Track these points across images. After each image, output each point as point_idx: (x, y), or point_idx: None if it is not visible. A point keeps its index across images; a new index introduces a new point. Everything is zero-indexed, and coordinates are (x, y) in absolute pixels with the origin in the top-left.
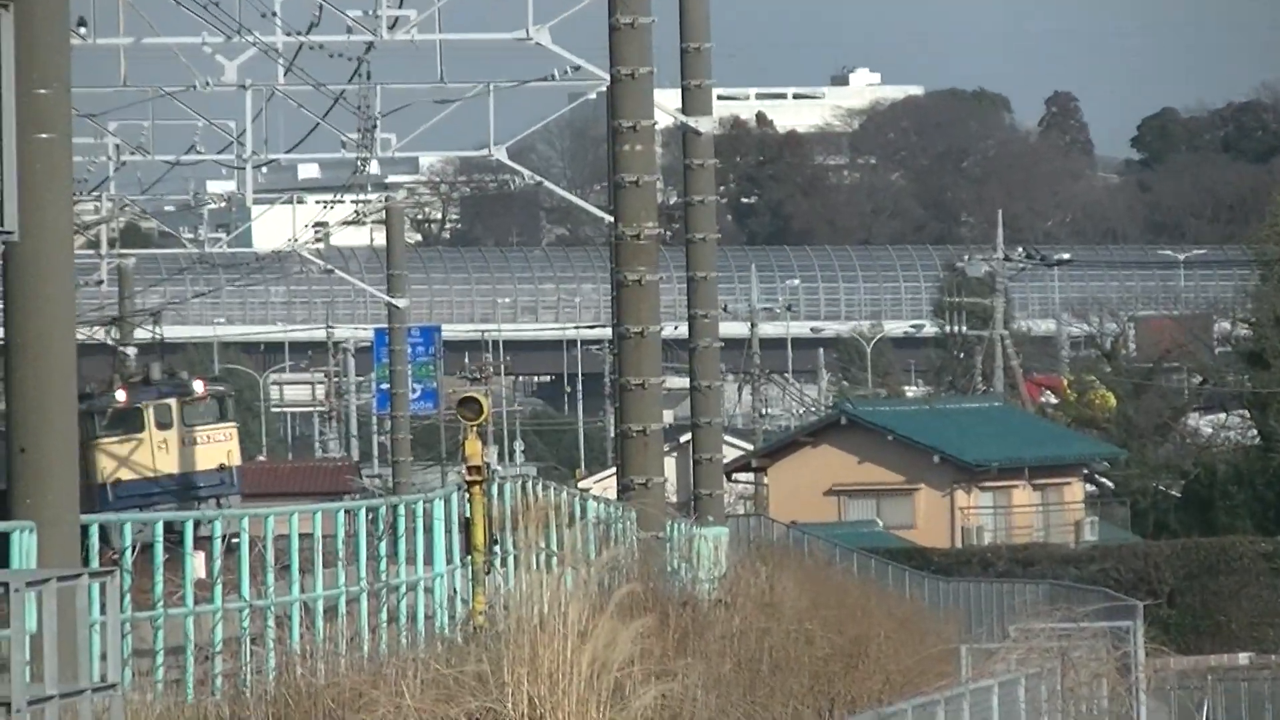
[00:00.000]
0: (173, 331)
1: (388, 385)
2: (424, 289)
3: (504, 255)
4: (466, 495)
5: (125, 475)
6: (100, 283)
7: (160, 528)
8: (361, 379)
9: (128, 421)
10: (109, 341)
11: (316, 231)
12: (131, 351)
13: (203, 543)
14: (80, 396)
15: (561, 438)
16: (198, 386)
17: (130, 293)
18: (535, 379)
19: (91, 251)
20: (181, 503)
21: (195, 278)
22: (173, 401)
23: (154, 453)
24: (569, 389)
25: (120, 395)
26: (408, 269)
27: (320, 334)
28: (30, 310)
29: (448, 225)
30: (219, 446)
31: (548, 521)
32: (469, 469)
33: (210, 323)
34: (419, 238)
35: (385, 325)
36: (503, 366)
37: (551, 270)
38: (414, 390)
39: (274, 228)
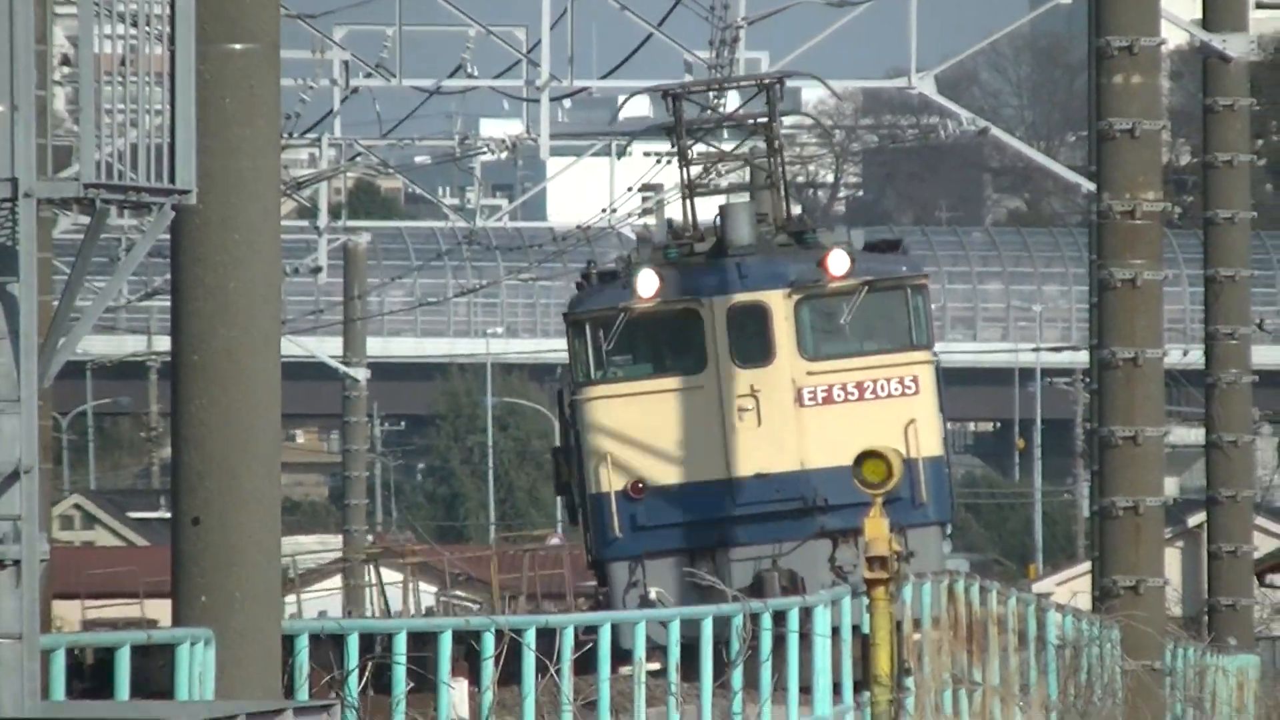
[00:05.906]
0: (427, 347)
1: None
2: None
3: (926, 237)
4: (865, 601)
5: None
6: (317, 270)
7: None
8: None
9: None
10: (328, 360)
11: (645, 198)
12: (362, 376)
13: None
14: None
15: (1008, 516)
16: None
17: (361, 285)
18: (971, 426)
19: (304, 223)
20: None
21: (459, 264)
22: None
23: None
24: (1021, 442)
25: None
26: None
27: None
28: (212, 310)
29: (842, 192)
30: None
31: (986, 643)
32: (871, 561)
33: (481, 332)
34: (797, 210)
35: None
36: None
37: (999, 263)
38: None
39: (580, 192)
